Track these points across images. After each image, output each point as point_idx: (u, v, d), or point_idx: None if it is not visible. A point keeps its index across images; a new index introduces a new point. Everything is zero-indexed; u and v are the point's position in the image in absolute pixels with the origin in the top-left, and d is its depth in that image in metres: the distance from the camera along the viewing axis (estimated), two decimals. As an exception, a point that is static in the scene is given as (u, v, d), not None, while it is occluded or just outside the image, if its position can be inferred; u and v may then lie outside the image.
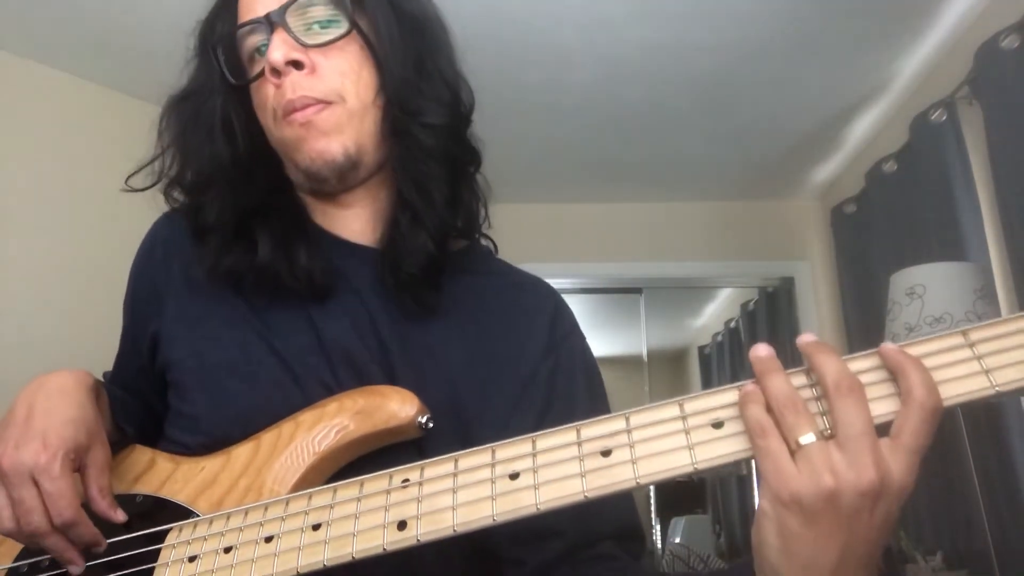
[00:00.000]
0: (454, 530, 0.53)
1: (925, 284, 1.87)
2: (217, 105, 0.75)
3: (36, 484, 0.62)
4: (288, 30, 0.70)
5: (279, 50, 0.69)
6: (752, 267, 3.66)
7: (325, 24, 0.71)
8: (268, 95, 0.72)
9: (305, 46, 0.70)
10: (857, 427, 0.47)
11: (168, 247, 0.79)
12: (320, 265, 0.73)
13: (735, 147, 3.17)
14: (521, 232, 3.11)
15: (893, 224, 2.66)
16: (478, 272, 0.80)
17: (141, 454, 0.73)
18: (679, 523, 3.74)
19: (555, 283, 0.82)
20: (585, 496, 0.51)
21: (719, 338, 4.19)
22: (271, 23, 0.70)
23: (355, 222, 0.78)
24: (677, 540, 3.66)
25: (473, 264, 0.81)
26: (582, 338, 0.82)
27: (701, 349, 4.33)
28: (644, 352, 3.86)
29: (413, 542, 0.54)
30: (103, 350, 0.95)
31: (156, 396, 0.79)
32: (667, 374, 4.37)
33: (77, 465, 0.65)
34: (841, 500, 0.46)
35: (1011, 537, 1.99)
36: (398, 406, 0.65)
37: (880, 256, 2.74)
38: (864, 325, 2.89)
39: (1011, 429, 2.04)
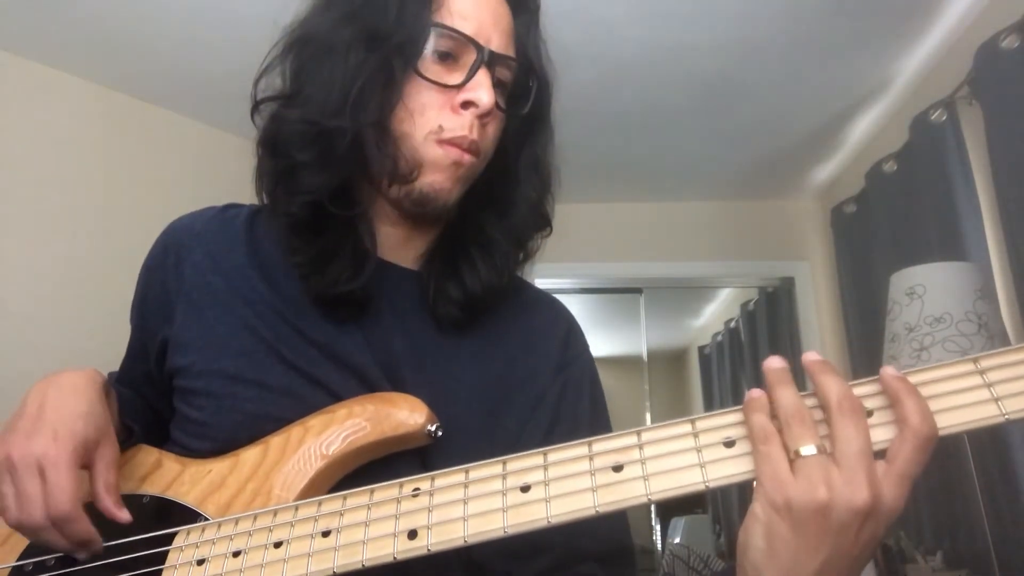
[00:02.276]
0: (465, 541, 0.53)
1: (925, 284, 1.87)
2: (398, 72, 0.69)
3: (43, 476, 0.62)
4: (492, 77, 0.71)
5: (489, 96, 0.69)
6: (752, 267, 3.66)
7: (508, 86, 0.75)
8: (432, 105, 0.70)
9: (496, 104, 0.72)
10: (854, 446, 0.48)
11: (180, 253, 0.78)
12: (367, 293, 0.73)
13: (735, 147, 3.17)
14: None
15: (893, 224, 2.66)
16: None
17: (147, 454, 0.73)
18: (679, 523, 3.75)
19: (555, 283, 0.85)
20: (597, 511, 0.52)
21: (719, 338, 4.20)
22: (482, 58, 0.70)
23: (395, 242, 0.78)
24: (677, 540, 3.66)
25: None
26: (591, 361, 0.84)
27: (701, 349, 4.33)
28: (644, 352, 3.87)
29: (424, 551, 0.54)
30: (103, 350, 0.95)
31: (162, 400, 0.79)
32: (667, 374, 4.38)
33: (85, 460, 0.66)
34: (832, 514, 0.47)
35: (1011, 537, 1.99)
36: (407, 413, 0.65)
37: (880, 256, 2.74)
38: (864, 325, 2.89)
39: (1011, 429, 2.04)
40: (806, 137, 3.07)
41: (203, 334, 0.74)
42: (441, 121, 0.70)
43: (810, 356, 0.54)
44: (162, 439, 0.76)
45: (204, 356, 0.73)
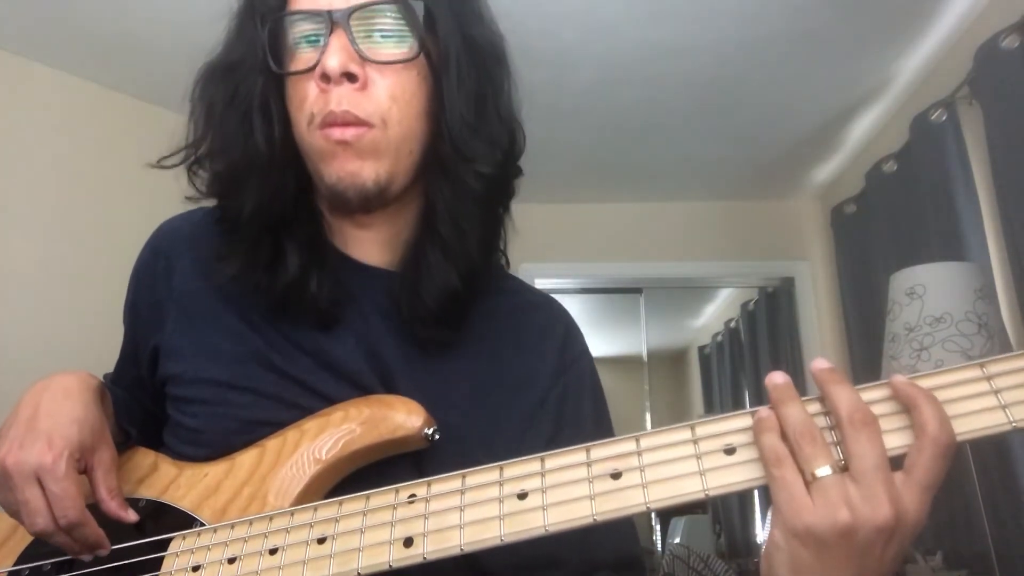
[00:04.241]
0: (461, 549, 0.53)
1: (925, 284, 1.87)
2: (257, 88, 0.69)
3: (41, 484, 0.62)
4: (349, 35, 0.65)
5: (336, 57, 0.64)
6: (752, 267, 3.66)
7: (387, 35, 0.67)
8: (308, 95, 0.67)
9: (363, 59, 0.65)
10: (871, 461, 0.46)
11: (170, 259, 0.77)
12: (327, 294, 0.71)
13: (735, 147, 3.16)
14: (521, 232, 3.10)
15: (893, 224, 2.66)
16: (489, 291, 0.78)
17: (144, 457, 0.73)
18: (679, 523, 3.75)
19: (555, 283, 0.82)
20: (595, 519, 0.51)
21: (719, 338, 4.19)
22: (332, 21, 0.65)
23: (370, 244, 0.76)
24: (677, 540, 3.66)
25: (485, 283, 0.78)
26: (591, 361, 0.82)
27: (701, 349, 4.33)
28: (644, 352, 3.86)
29: (419, 559, 0.53)
30: (102, 350, 0.95)
31: (155, 402, 0.78)
32: (667, 374, 4.37)
33: (82, 466, 0.65)
34: (856, 535, 0.46)
35: (1011, 537, 1.99)
36: (404, 416, 0.64)
37: (880, 256, 2.73)
38: (864, 325, 2.89)
39: (1011, 429, 2.03)
40: (806, 137, 3.07)
41: (194, 342, 0.73)
42: (311, 108, 0.66)
43: (819, 364, 0.51)
44: (158, 442, 0.76)
45: (195, 364, 0.72)
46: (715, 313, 4.38)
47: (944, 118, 2.34)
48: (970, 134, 2.25)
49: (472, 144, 0.70)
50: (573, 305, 0.85)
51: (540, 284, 3.40)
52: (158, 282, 0.77)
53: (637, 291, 3.86)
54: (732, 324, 4.11)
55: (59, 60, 2.49)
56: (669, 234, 3.67)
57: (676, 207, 3.69)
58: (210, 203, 0.80)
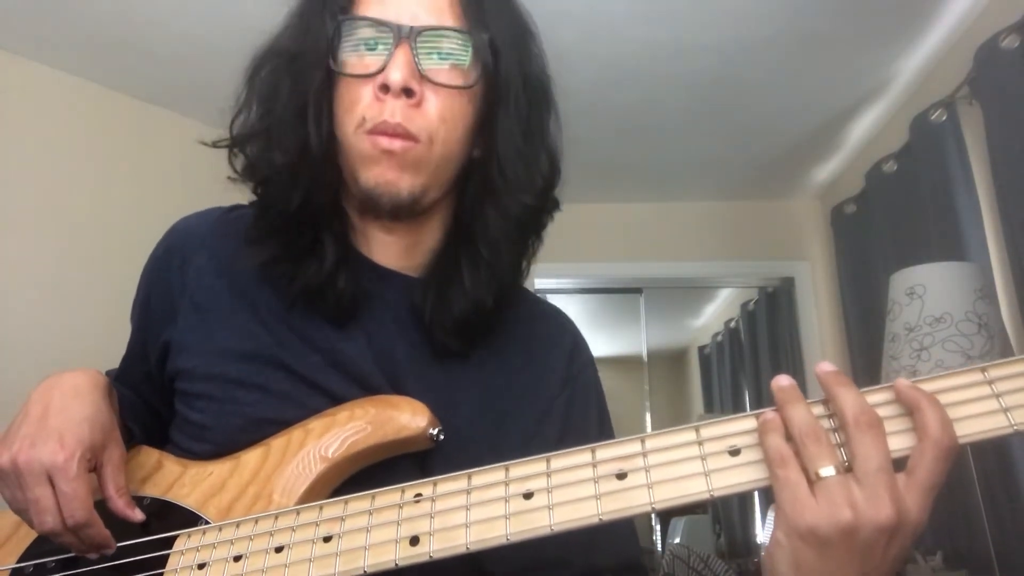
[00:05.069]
0: (467, 548, 0.53)
1: (925, 284, 1.87)
2: (317, 80, 0.70)
3: (51, 483, 0.62)
4: (414, 52, 0.67)
5: (400, 72, 0.66)
6: (752, 267, 3.66)
7: (446, 56, 0.69)
8: (360, 99, 0.68)
9: (423, 77, 0.68)
10: (875, 462, 0.47)
11: (185, 256, 0.78)
12: (350, 291, 0.72)
13: (735, 147, 3.16)
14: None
15: (893, 224, 2.66)
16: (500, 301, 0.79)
17: (148, 455, 0.73)
18: (679, 523, 3.75)
19: (555, 283, 0.83)
20: (600, 519, 0.51)
21: (719, 338, 4.20)
22: (400, 36, 0.67)
23: (392, 248, 0.77)
24: (677, 540, 3.66)
25: None
26: (595, 371, 0.84)
27: (701, 349, 4.33)
28: (644, 352, 3.86)
29: (426, 558, 0.54)
30: (103, 350, 0.95)
31: (161, 400, 0.79)
32: (667, 374, 4.37)
33: (93, 464, 0.66)
34: (858, 534, 0.46)
35: (1011, 537, 1.99)
36: (409, 417, 0.65)
37: (880, 256, 2.74)
38: (864, 325, 2.89)
39: (1011, 429, 2.03)
40: (806, 137, 3.07)
41: (206, 338, 0.73)
42: (364, 112, 0.68)
43: (823, 367, 0.52)
44: (161, 440, 0.76)
45: (206, 360, 0.72)
46: (715, 313, 4.38)
47: (944, 118, 2.34)
48: (970, 134, 2.25)
49: (521, 173, 0.73)
50: (573, 305, 0.87)
51: (540, 284, 3.40)
52: (172, 278, 0.77)
53: (637, 291, 3.86)
54: (732, 324, 4.11)
55: (60, 60, 2.48)
56: (669, 234, 3.67)
57: (676, 207, 3.69)
58: (223, 202, 0.81)
